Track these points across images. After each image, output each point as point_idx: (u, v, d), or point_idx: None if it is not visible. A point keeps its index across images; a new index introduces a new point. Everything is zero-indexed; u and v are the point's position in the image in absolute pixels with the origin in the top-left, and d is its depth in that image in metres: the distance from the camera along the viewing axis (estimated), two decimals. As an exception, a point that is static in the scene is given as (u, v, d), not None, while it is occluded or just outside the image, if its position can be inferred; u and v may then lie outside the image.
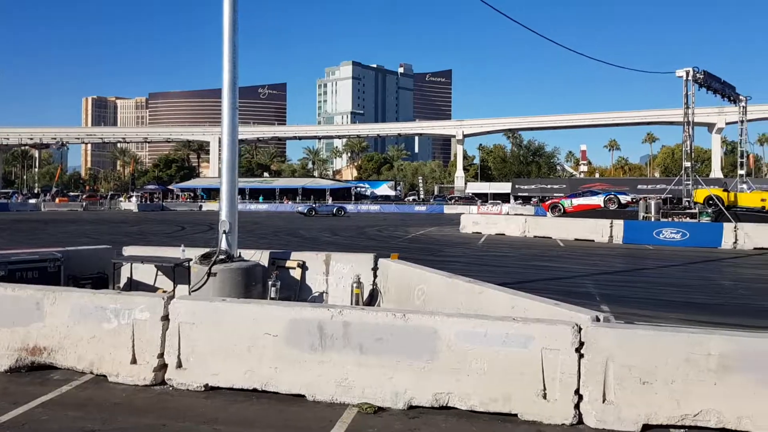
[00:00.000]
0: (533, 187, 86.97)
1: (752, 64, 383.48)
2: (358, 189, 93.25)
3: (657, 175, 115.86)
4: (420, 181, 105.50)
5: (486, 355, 5.85)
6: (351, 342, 6.14)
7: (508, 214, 45.35)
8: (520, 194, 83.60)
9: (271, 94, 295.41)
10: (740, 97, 32.55)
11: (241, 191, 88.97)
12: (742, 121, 32.94)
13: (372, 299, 9.79)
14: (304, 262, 10.26)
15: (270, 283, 9.47)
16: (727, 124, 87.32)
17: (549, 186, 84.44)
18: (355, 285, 9.55)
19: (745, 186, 31.62)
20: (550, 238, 27.33)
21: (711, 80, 29.36)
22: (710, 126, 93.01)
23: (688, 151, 28.97)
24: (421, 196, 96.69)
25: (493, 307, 7.44)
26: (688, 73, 27.71)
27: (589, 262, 18.70)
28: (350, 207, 77.16)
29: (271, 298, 9.25)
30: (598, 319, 6.08)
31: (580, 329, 5.74)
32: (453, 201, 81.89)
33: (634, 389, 5.58)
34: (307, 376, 6.20)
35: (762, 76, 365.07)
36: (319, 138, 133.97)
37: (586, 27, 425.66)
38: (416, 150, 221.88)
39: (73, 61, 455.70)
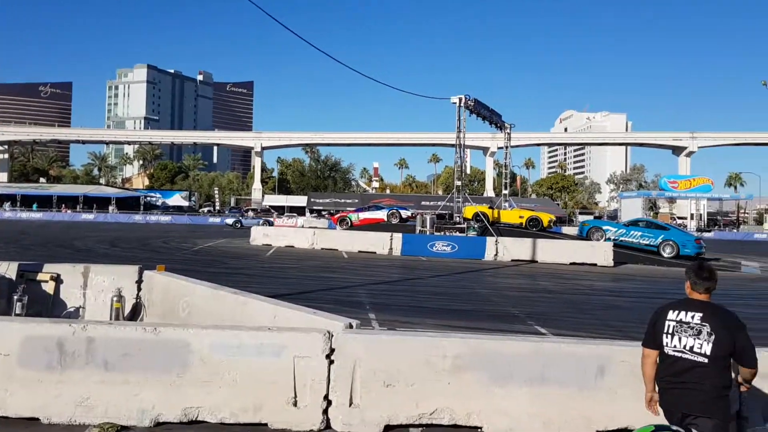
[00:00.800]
0: (328, 201, 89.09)
1: (519, 96, 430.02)
2: (149, 198, 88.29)
3: (440, 192, 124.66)
4: (216, 192, 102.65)
5: (239, 365, 5.84)
6: (95, 359, 5.78)
7: (302, 226, 45.77)
8: (315, 207, 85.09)
9: (54, 93, 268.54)
10: (506, 124, 36.42)
11: (12, 197, 79.99)
12: (506, 147, 36.84)
13: (135, 313, 9.30)
14: (58, 275, 9.45)
15: (15, 297, 8.59)
16: (498, 148, 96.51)
17: (343, 200, 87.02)
18: (115, 299, 9.00)
19: (507, 204, 35.30)
20: (337, 250, 28.12)
21: (480, 108, 32.42)
22: (485, 150, 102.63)
23: (460, 172, 31.77)
24: (217, 208, 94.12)
25: (256, 317, 7.48)
26: (460, 100, 30.40)
27: (367, 273, 19.55)
28: (138, 218, 72.77)
29: (17, 314, 8.40)
30: (351, 326, 6.38)
31: (332, 336, 5.97)
32: (250, 213, 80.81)
33: (378, 392, 5.90)
34: (43, 397, 5.71)
35: (527, 107, 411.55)
36: (107, 143, 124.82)
37: (381, 52, 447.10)
38: (215, 160, 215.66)
39: None
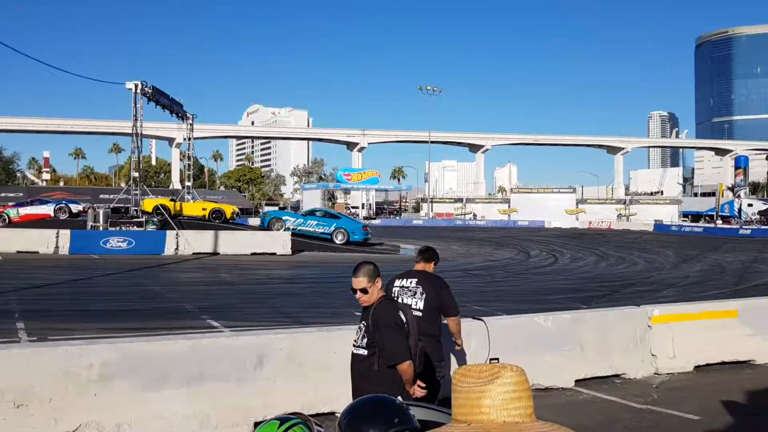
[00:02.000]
0: (-14, 195, 76.97)
1: (208, 89, 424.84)
2: None
3: (123, 185, 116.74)
4: None
5: None
6: None
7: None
8: (-34, 203, 72.68)
9: None
10: (188, 114, 35.47)
11: None
12: (190, 138, 35.97)
13: None
14: None
15: None
16: (184, 139, 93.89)
17: (4, 194, 75.84)
18: None
19: (190, 197, 34.50)
20: (-12, 251, 24.30)
21: (159, 96, 30.89)
22: (171, 140, 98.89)
23: (137, 162, 30.04)
24: None
25: None
26: (137, 86, 28.62)
27: (24, 276, 17.23)
28: None
29: None
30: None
31: (-59, 358, 5.06)
32: None
33: (7, 415, 5.18)
34: None
35: (217, 100, 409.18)
36: None
37: (54, 35, 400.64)
38: None
39: None
